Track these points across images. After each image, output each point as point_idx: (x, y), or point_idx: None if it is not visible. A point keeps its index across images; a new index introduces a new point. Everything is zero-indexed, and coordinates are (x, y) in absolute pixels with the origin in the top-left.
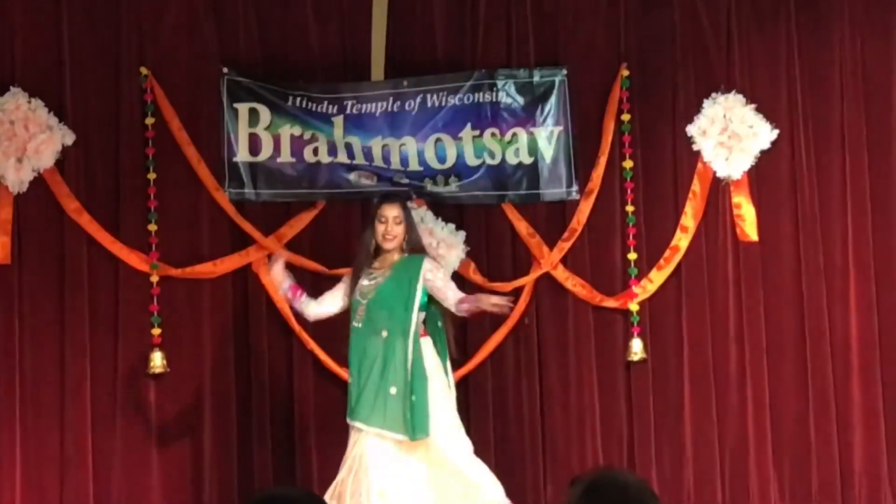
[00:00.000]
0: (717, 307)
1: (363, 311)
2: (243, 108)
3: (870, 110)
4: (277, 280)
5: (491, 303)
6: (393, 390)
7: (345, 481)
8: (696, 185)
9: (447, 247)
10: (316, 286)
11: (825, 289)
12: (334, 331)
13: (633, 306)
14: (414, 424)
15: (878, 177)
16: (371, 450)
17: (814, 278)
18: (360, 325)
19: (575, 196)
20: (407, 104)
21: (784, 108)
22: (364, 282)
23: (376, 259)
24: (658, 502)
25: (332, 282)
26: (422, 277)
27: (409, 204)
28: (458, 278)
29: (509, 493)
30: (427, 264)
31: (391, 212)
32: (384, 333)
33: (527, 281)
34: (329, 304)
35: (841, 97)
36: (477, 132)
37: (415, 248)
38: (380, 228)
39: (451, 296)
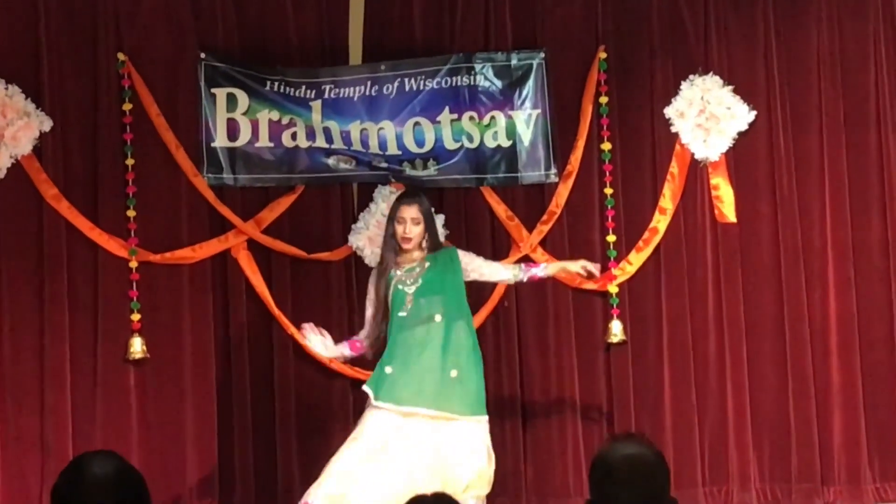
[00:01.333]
0: (696, 288)
1: (411, 301)
2: (221, 93)
3: (847, 91)
4: (330, 354)
5: (581, 265)
6: (454, 373)
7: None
8: (674, 167)
9: None
10: (295, 271)
11: (804, 270)
12: (315, 316)
13: (613, 288)
14: (479, 404)
15: (855, 158)
16: (380, 423)
17: (792, 259)
18: (406, 315)
19: (553, 179)
20: (385, 88)
21: (762, 89)
22: (401, 274)
23: (397, 256)
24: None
25: (312, 267)
26: (463, 266)
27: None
28: None
29: (494, 478)
30: (461, 253)
31: (409, 213)
32: (437, 318)
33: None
34: (374, 327)
35: (818, 78)
36: (455, 116)
37: (434, 247)
38: (398, 229)
39: (503, 269)
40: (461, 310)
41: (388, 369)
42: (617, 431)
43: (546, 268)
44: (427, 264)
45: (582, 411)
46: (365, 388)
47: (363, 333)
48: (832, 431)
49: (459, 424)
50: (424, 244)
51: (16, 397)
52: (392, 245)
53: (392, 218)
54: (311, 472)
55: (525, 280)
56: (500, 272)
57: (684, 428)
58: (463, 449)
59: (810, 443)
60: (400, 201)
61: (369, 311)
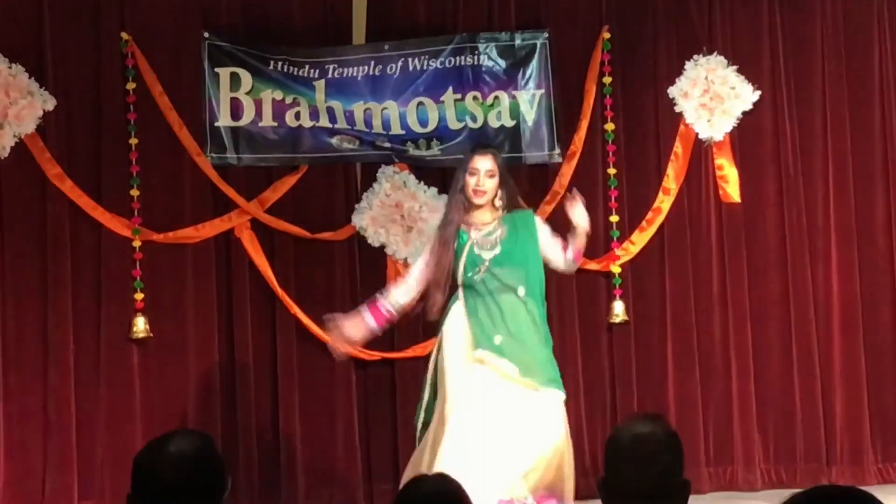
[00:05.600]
0: (700, 268)
1: (485, 268)
2: (225, 72)
3: (851, 71)
4: (360, 333)
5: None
6: (538, 352)
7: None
8: (678, 147)
9: (430, 210)
10: (298, 251)
11: (808, 250)
12: (318, 296)
13: (616, 268)
14: (559, 380)
15: (859, 137)
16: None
17: (797, 240)
18: (480, 282)
19: (557, 159)
20: (388, 68)
21: (766, 69)
22: (476, 236)
23: (467, 214)
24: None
25: (315, 247)
26: (539, 234)
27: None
28: None
29: None
30: (538, 220)
31: (483, 164)
32: (521, 291)
33: None
34: (413, 284)
35: (822, 58)
36: (459, 96)
37: (511, 204)
38: (469, 181)
39: (560, 251)
40: (541, 285)
41: (497, 339)
42: (621, 412)
43: (572, 245)
44: (505, 227)
45: (585, 392)
46: (482, 351)
47: (397, 296)
48: (835, 412)
49: (543, 395)
50: (498, 202)
51: (19, 376)
52: (460, 200)
53: (464, 169)
54: (316, 450)
55: (573, 261)
56: (558, 259)
57: (688, 408)
58: (544, 419)
59: (815, 423)
60: (474, 151)
61: (416, 272)
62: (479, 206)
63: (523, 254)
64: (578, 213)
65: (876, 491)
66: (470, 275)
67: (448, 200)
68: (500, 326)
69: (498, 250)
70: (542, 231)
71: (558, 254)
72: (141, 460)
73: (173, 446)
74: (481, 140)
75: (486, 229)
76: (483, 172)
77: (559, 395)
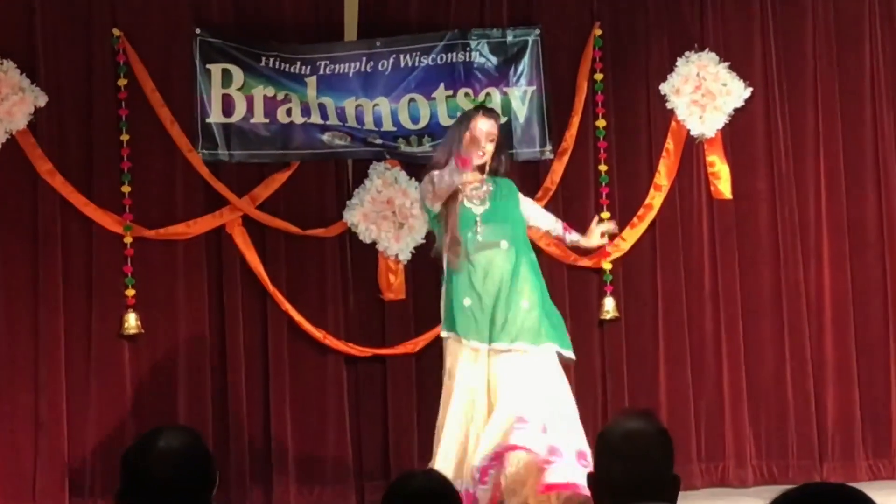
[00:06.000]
0: (692, 265)
1: (480, 223)
2: (216, 68)
3: (843, 67)
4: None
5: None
6: (525, 304)
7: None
8: (669, 144)
9: (421, 207)
10: (289, 247)
11: (800, 246)
12: (309, 292)
13: (607, 265)
14: (562, 337)
15: (850, 133)
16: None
17: (789, 236)
18: (481, 238)
19: (549, 155)
20: (380, 64)
21: (758, 65)
22: (467, 191)
23: None
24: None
25: (307, 243)
26: (519, 196)
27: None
28: (432, 238)
29: None
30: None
31: (486, 126)
32: (504, 245)
33: None
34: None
35: (814, 54)
36: (450, 92)
37: (496, 172)
38: (471, 142)
39: (546, 217)
40: (526, 238)
41: (466, 301)
42: (612, 409)
43: (572, 238)
44: (491, 186)
45: (577, 388)
46: (446, 331)
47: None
48: (826, 409)
49: (532, 356)
50: (487, 167)
51: (10, 373)
52: (457, 145)
53: (466, 127)
54: (306, 445)
55: (554, 234)
56: (545, 219)
57: (679, 404)
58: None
59: (807, 420)
60: (478, 110)
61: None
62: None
63: (508, 208)
64: (596, 234)
65: (866, 488)
66: (467, 232)
67: (448, 148)
68: (485, 294)
69: (488, 205)
70: (522, 197)
71: (543, 215)
72: (129, 456)
73: (162, 442)
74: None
75: (472, 185)
76: (485, 135)
77: (549, 350)
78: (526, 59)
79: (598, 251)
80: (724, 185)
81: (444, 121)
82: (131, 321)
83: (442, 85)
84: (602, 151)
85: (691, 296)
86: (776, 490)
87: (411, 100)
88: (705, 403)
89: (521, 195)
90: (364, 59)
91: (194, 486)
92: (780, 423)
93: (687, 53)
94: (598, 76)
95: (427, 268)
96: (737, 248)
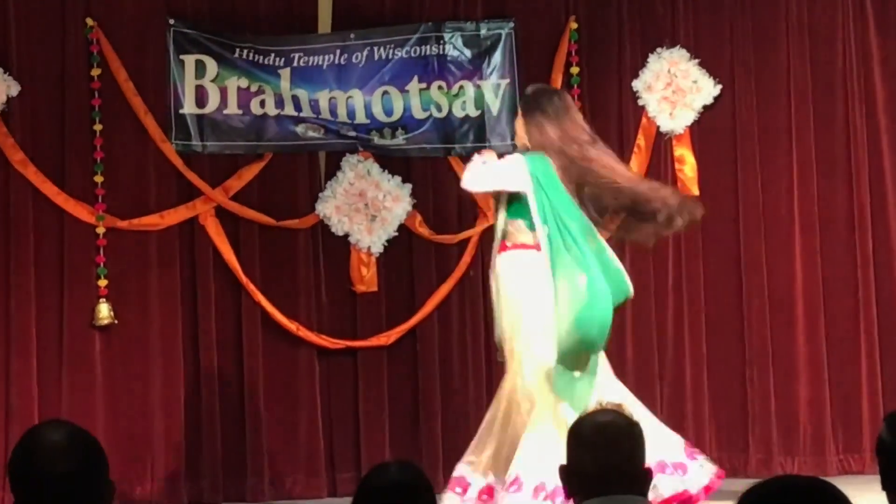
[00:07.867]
0: (659, 260)
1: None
2: (190, 59)
3: (815, 64)
4: None
5: None
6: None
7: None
8: (640, 140)
9: (393, 199)
10: (263, 238)
11: (766, 242)
12: (282, 284)
13: None
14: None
15: (822, 130)
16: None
17: (754, 231)
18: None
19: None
20: (354, 57)
21: (727, 62)
22: None
23: None
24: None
25: (280, 234)
26: None
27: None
28: (405, 230)
29: (456, 445)
30: None
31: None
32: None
33: (473, 233)
34: None
35: (787, 52)
36: (424, 85)
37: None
38: None
39: None
40: None
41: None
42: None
43: None
44: None
45: None
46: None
47: None
48: (798, 403)
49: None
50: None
51: None
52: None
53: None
54: (279, 438)
55: None
56: None
57: (644, 399)
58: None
59: (778, 414)
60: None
61: None
62: None
63: None
64: None
65: (837, 481)
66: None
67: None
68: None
69: None
70: None
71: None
72: (16, 463)
73: (47, 437)
74: (446, 129)
75: None
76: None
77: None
78: (499, 52)
79: None
80: (690, 182)
81: (418, 113)
82: (104, 311)
83: (416, 77)
84: None
85: (658, 291)
86: (746, 484)
87: (385, 92)
88: (667, 398)
89: None
90: (338, 51)
91: (93, 473)
92: (741, 419)
93: (659, 50)
94: (574, 69)
95: (399, 260)
96: (701, 243)
